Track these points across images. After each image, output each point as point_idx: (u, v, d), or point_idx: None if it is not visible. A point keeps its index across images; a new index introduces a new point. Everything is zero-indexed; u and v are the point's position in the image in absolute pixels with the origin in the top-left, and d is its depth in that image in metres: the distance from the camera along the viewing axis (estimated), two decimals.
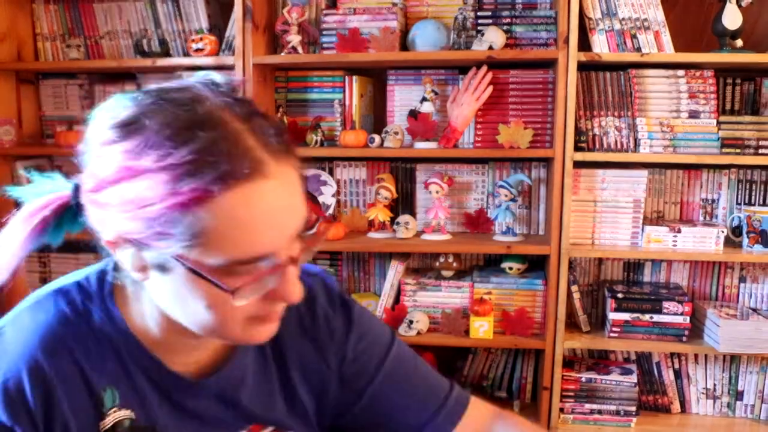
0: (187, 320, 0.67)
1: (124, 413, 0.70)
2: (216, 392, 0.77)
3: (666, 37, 1.90)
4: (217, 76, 0.67)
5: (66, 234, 0.71)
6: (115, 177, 0.61)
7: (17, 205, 0.70)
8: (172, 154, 0.58)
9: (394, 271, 2.14)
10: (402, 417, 0.86)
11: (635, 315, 1.97)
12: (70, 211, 0.69)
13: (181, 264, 0.61)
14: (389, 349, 0.89)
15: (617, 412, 2.03)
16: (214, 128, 0.60)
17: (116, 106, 0.64)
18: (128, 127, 0.61)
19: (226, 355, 0.78)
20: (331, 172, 2.22)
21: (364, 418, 0.86)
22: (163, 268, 0.63)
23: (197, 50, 2.09)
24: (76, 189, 0.67)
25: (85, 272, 0.75)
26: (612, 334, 1.99)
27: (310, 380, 0.84)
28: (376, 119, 2.25)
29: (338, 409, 0.86)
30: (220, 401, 0.77)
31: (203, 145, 0.59)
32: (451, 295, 2.11)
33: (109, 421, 0.69)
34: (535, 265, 2.13)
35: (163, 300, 0.67)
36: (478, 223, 2.18)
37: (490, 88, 2.00)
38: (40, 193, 0.69)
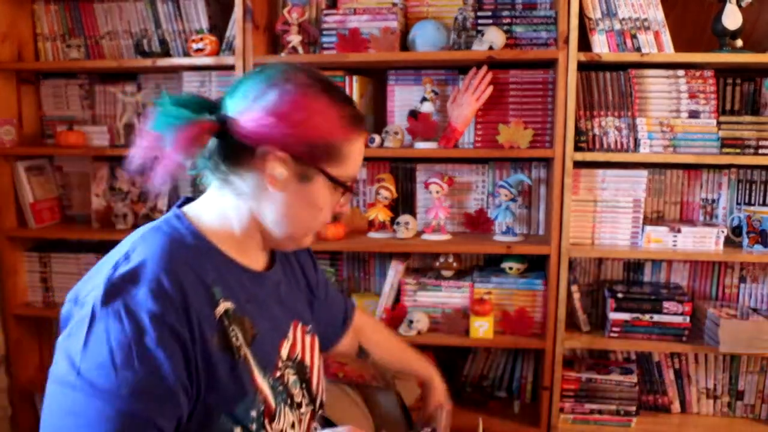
0: (293, 220, 0.96)
1: (228, 304, 0.91)
2: (273, 288, 1.03)
3: (666, 37, 1.90)
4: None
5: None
6: (295, 109, 0.90)
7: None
8: (338, 106, 0.94)
9: (394, 271, 2.14)
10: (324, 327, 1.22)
11: (635, 315, 1.97)
12: (218, 138, 0.91)
13: (323, 175, 0.93)
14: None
15: (617, 412, 2.03)
16: (341, 91, 0.98)
17: (270, 67, 0.95)
18: (310, 83, 0.94)
19: (269, 261, 1.06)
20: None
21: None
22: (305, 177, 0.92)
23: (197, 50, 2.09)
24: (224, 121, 0.90)
25: (163, 218, 0.97)
26: (612, 334, 1.99)
27: (304, 288, 1.18)
28: (376, 119, 2.25)
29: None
30: (276, 300, 1.03)
31: (348, 100, 0.97)
32: (451, 295, 2.11)
33: (220, 309, 0.90)
34: (535, 265, 2.13)
35: (282, 208, 0.94)
36: (478, 223, 2.18)
37: (490, 88, 2.00)
38: (186, 115, 0.88)
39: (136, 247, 0.90)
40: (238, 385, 0.90)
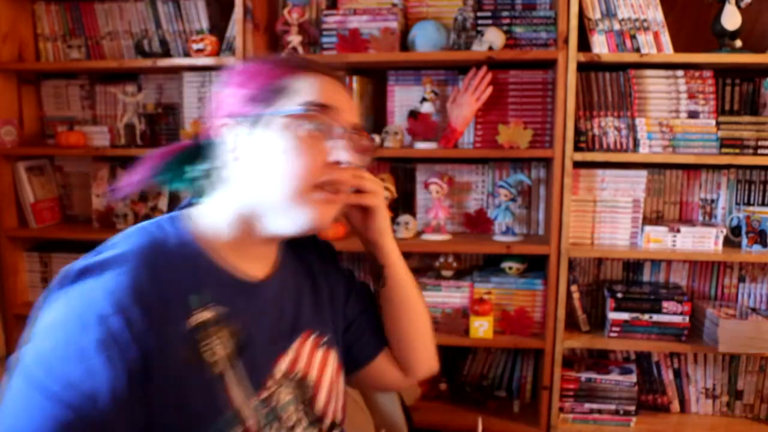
0: (271, 181, 0.85)
1: (206, 314, 0.83)
2: (272, 298, 0.94)
3: (665, 38, 1.91)
4: None
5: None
6: (228, 80, 0.89)
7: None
8: (269, 60, 0.90)
9: None
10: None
11: (635, 315, 1.97)
12: (188, 152, 0.92)
13: (264, 116, 0.85)
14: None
15: (617, 412, 2.04)
16: (306, 60, 0.93)
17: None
18: (246, 60, 0.94)
19: (275, 266, 0.96)
20: None
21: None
22: (253, 129, 0.85)
23: (198, 50, 2.10)
24: (196, 136, 0.92)
25: (155, 219, 0.91)
26: (611, 334, 2.00)
27: (332, 301, 1.06)
28: (376, 119, 2.25)
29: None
30: (276, 310, 0.94)
31: (291, 57, 0.92)
32: (451, 295, 2.11)
33: (195, 319, 0.81)
34: (535, 265, 2.14)
35: (250, 173, 0.86)
36: (478, 223, 2.18)
37: (490, 89, 2.01)
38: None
39: (116, 242, 0.85)
40: (212, 403, 0.81)
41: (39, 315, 0.81)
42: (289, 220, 0.87)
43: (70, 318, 0.76)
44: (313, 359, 0.98)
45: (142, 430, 0.77)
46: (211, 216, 0.90)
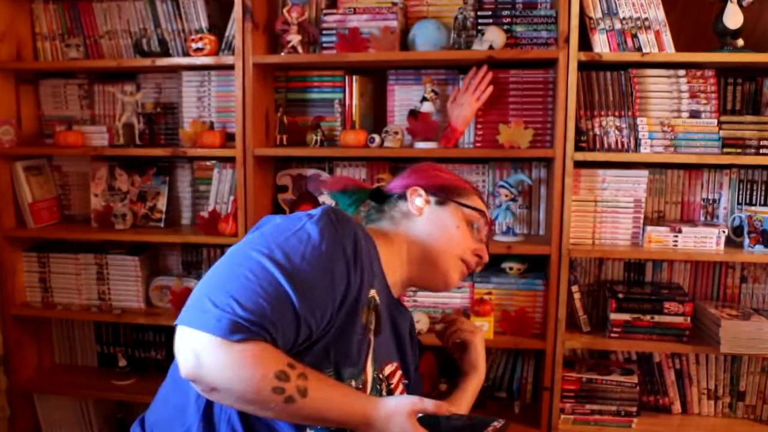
0: (440, 242, 1.20)
1: (377, 295, 1.08)
2: (396, 320, 1.20)
3: (667, 37, 1.90)
4: None
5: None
6: (425, 167, 1.32)
7: None
8: (459, 175, 1.32)
9: None
10: None
11: (636, 315, 1.96)
12: (365, 194, 1.30)
13: (454, 202, 1.23)
14: None
15: (618, 413, 2.03)
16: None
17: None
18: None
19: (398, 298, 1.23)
20: (331, 172, 2.22)
21: None
22: (441, 202, 1.23)
23: (197, 50, 2.09)
24: (378, 189, 1.29)
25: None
26: (613, 335, 1.99)
27: (412, 356, 1.29)
28: (376, 119, 2.25)
29: None
30: (393, 327, 1.18)
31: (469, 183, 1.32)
32: (452, 295, 2.10)
33: (372, 293, 1.06)
34: (536, 265, 2.13)
35: (429, 228, 1.21)
36: None
37: (491, 88, 2.00)
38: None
39: (342, 211, 1.10)
40: (356, 353, 1.02)
41: (286, 225, 1.00)
42: (440, 270, 1.21)
43: (321, 240, 0.97)
44: (399, 385, 1.18)
45: (312, 343, 0.97)
46: (385, 239, 1.18)
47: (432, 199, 1.23)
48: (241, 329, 0.86)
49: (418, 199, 1.22)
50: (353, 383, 1.01)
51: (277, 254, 0.94)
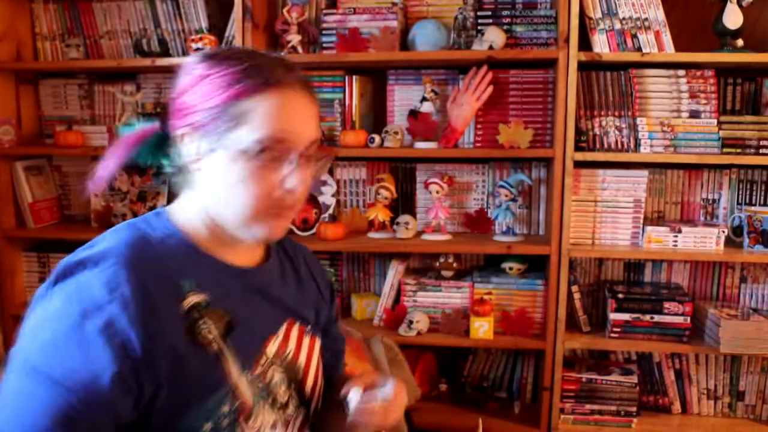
0: (227, 204, 0.91)
1: (198, 297, 0.89)
2: (259, 285, 1.00)
3: (666, 37, 1.90)
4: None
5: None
6: (192, 82, 0.90)
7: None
8: (231, 68, 0.89)
9: (394, 271, 2.14)
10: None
11: (636, 315, 1.96)
12: (155, 137, 0.96)
13: (225, 141, 0.88)
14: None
15: (618, 413, 2.03)
16: (262, 58, 0.92)
17: (205, 51, 0.96)
18: (208, 56, 0.92)
19: (263, 258, 1.04)
20: (331, 172, 2.22)
21: None
22: (213, 149, 0.89)
23: (197, 50, 2.08)
24: (163, 121, 0.95)
25: (142, 216, 0.99)
26: (612, 335, 1.99)
27: (314, 296, 1.14)
28: (376, 119, 2.25)
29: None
30: (264, 296, 1.00)
31: (252, 65, 0.89)
32: (452, 296, 2.10)
33: (189, 301, 0.88)
34: (536, 265, 2.13)
35: (210, 188, 0.92)
36: (478, 223, 2.17)
37: (491, 88, 2.00)
38: (134, 128, 0.97)
39: (104, 238, 0.92)
40: (209, 379, 0.88)
41: (33, 310, 0.85)
42: (243, 233, 0.94)
43: (69, 309, 0.81)
44: (302, 345, 1.05)
45: (144, 409, 0.83)
46: (187, 213, 0.96)
47: (202, 144, 0.90)
48: None
49: (187, 149, 0.92)
50: (224, 408, 0.89)
51: (35, 362, 0.80)
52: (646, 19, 1.89)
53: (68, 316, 0.80)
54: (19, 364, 0.81)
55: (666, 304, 1.94)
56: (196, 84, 0.90)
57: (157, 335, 0.83)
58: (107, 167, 0.94)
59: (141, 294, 0.83)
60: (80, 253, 0.88)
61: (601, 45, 1.90)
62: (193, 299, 0.88)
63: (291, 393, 1.01)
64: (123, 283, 0.82)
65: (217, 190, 0.91)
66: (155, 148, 0.97)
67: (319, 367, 1.10)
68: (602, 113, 1.97)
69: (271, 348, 0.99)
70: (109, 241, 0.90)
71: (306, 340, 1.07)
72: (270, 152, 0.88)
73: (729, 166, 2.05)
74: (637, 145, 1.95)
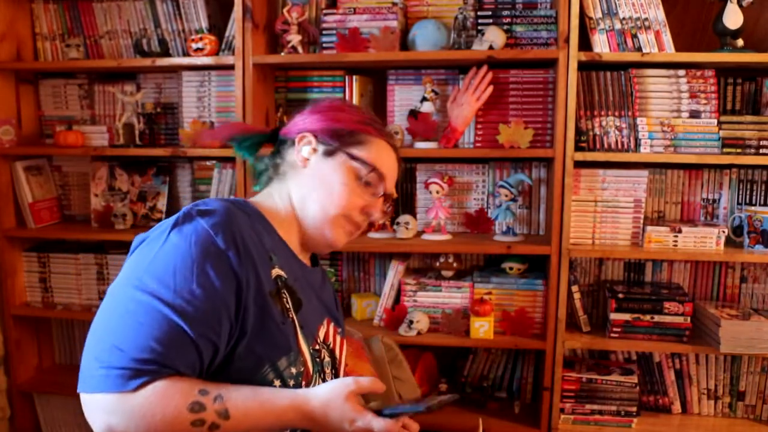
0: (319, 198, 1.08)
1: (282, 271, 1.03)
2: (312, 282, 1.13)
3: (667, 37, 1.90)
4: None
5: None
6: (326, 107, 1.13)
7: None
8: (362, 112, 1.16)
9: (394, 271, 2.14)
10: None
11: (636, 315, 1.96)
12: (262, 138, 1.17)
13: (344, 153, 1.09)
14: None
15: (618, 413, 2.03)
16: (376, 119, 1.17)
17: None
18: (340, 100, 1.21)
19: (310, 262, 1.17)
20: None
21: None
22: (329, 153, 1.09)
23: (197, 50, 2.09)
24: (276, 130, 1.16)
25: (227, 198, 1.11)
26: (612, 335, 1.99)
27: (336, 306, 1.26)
28: None
29: None
30: (314, 293, 1.13)
31: (374, 119, 1.15)
32: (452, 295, 2.10)
33: (276, 272, 1.01)
34: (536, 265, 2.13)
35: (309, 181, 1.09)
36: (478, 223, 2.17)
37: (491, 88, 2.00)
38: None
39: (208, 201, 1.02)
40: (284, 340, 0.98)
41: (148, 246, 0.95)
42: (316, 230, 1.09)
43: (189, 248, 0.91)
44: (336, 341, 1.17)
45: (229, 351, 0.93)
46: (274, 202, 1.11)
47: (320, 147, 1.10)
48: (135, 375, 0.83)
49: (305, 148, 1.10)
50: (293, 370, 0.98)
51: (149, 283, 0.89)
52: (646, 19, 1.89)
53: (189, 255, 0.91)
54: (132, 286, 0.89)
55: (666, 304, 1.94)
56: (331, 110, 1.12)
57: (254, 290, 0.95)
58: (215, 134, 1.15)
59: (246, 251, 0.95)
60: (197, 206, 0.98)
61: (601, 45, 1.90)
62: (278, 271, 1.01)
63: (333, 376, 1.12)
64: (236, 237, 0.95)
65: (314, 186, 1.09)
66: (253, 145, 1.16)
67: (342, 365, 1.20)
68: (602, 113, 1.97)
69: (321, 333, 1.11)
70: (214, 204, 1.00)
71: (338, 339, 1.19)
72: (371, 179, 1.09)
73: (729, 166, 2.05)
74: (637, 145, 1.95)
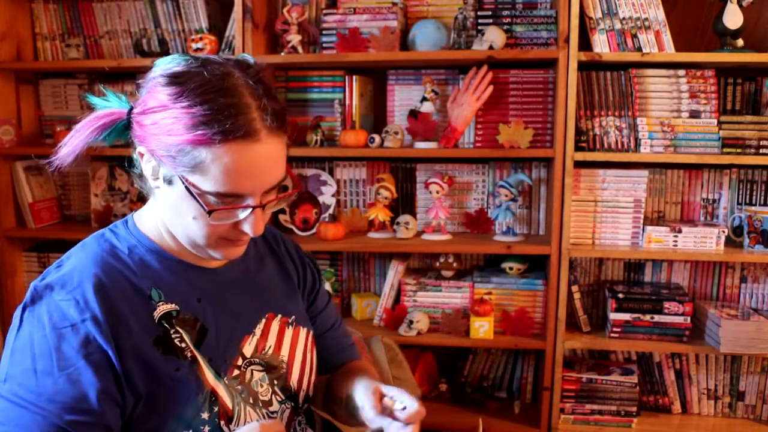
0: (178, 228, 0.91)
1: (169, 306, 0.91)
2: (233, 280, 1.01)
3: (667, 37, 1.90)
4: (250, 59, 0.90)
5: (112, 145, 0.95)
6: (156, 108, 0.85)
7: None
8: (196, 106, 0.82)
9: (394, 271, 2.14)
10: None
11: (636, 315, 1.96)
12: (121, 124, 0.91)
13: (181, 182, 0.85)
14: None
15: (618, 413, 2.03)
16: (231, 97, 0.83)
17: (172, 61, 0.88)
18: (175, 78, 0.85)
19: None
20: (331, 172, 2.22)
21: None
22: (170, 181, 0.87)
23: (197, 50, 2.09)
24: (130, 110, 0.90)
25: (111, 224, 1.00)
26: (612, 335, 1.99)
27: (299, 283, 1.14)
28: (376, 119, 2.25)
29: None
30: (239, 292, 1.01)
31: (218, 107, 0.82)
32: (452, 295, 2.10)
33: (159, 311, 0.90)
34: (536, 265, 2.13)
35: (165, 209, 0.91)
36: (478, 223, 2.17)
37: (491, 88, 2.00)
38: (107, 105, 0.93)
39: (72, 255, 0.94)
40: (184, 389, 0.89)
41: (11, 335, 0.87)
42: (198, 253, 0.94)
43: (44, 333, 0.83)
44: (283, 338, 1.05)
45: (128, 419, 0.86)
46: (151, 220, 0.97)
47: (161, 171, 0.88)
48: None
49: (146, 167, 0.90)
50: (204, 416, 0.90)
51: (12, 383, 0.82)
52: (646, 19, 1.89)
53: (45, 340, 0.82)
54: (4, 391, 0.82)
55: (666, 304, 1.94)
56: (157, 111, 0.85)
57: (131, 348, 0.85)
58: (73, 147, 0.90)
59: (110, 310, 0.85)
60: (48, 276, 0.89)
61: (601, 45, 1.90)
62: (163, 309, 0.90)
63: (274, 389, 1.01)
64: (92, 301, 0.85)
65: (173, 213, 0.90)
66: (124, 131, 0.93)
67: (307, 358, 1.08)
68: (602, 113, 1.97)
69: (248, 348, 0.99)
70: (75, 259, 0.92)
71: (288, 333, 1.06)
72: (226, 202, 0.86)
73: (729, 166, 2.05)
74: (637, 145, 1.95)
